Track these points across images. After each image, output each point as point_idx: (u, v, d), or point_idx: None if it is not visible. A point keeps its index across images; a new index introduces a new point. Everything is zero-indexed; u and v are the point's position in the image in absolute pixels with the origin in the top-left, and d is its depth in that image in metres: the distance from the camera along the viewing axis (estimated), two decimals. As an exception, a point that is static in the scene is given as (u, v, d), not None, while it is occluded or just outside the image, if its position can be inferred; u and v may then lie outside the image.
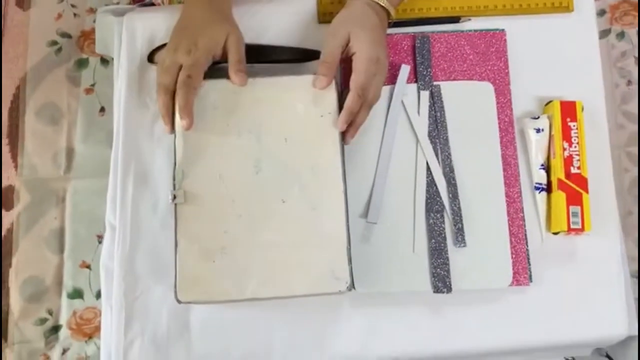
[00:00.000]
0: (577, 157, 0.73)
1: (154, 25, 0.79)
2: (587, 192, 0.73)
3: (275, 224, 0.68)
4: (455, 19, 0.79)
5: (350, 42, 0.69)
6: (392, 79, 0.76)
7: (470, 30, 0.79)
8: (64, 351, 1.31)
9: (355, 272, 0.69)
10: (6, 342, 1.31)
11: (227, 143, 0.69)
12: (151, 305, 0.72)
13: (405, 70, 0.76)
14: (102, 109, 1.42)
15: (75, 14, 1.48)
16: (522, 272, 0.72)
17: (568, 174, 0.73)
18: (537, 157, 0.76)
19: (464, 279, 0.71)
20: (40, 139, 1.41)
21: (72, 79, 1.44)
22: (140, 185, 0.75)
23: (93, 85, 1.43)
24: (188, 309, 0.72)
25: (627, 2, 1.48)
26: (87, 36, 1.46)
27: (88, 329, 1.32)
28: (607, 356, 0.84)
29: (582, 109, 0.75)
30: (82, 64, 1.45)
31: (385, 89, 0.75)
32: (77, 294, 1.33)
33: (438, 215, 0.73)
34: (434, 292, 0.71)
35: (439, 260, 0.72)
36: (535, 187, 0.75)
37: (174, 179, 0.69)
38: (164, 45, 0.74)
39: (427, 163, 0.74)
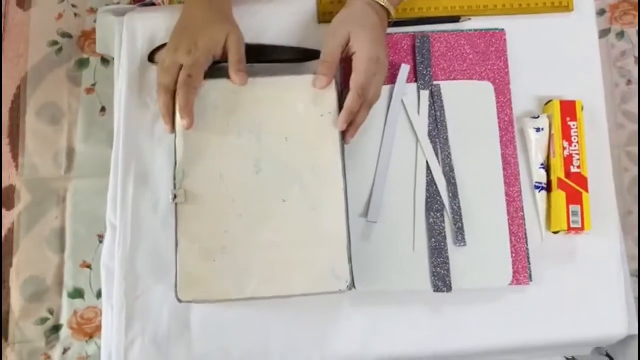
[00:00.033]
0: (577, 157, 0.73)
1: (155, 25, 0.79)
2: (587, 191, 0.73)
3: (275, 224, 0.68)
4: (455, 19, 0.79)
5: (350, 41, 0.69)
6: (392, 79, 0.76)
7: (470, 30, 0.79)
8: (65, 351, 1.31)
9: (356, 271, 0.69)
10: (7, 342, 1.31)
11: (227, 143, 0.70)
12: (152, 304, 0.72)
13: (405, 69, 0.76)
14: (103, 109, 1.42)
15: (76, 14, 1.48)
16: (522, 272, 0.72)
17: (568, 174, 0.73)
18: (537, 157, 0.76)
19: (464, 278, 0.71)
20: (41, 139, 1.41)
21: (73, 79, 1.44)
22: (141, 185, 0.75)
23: (94, 85, 1.44)
24: (189, 308, 0.72)
25: (627, 1, 1.48)
26: (88, 36, 1.46)
27: (89, 329, 1.32)
28: (607, 355, 0.85)
29: (582, 109, 0.75)
30: (82, 64, 1.45)
31: (385, 89, 0.75)
32: (77, 293, 1.34)
33: (438, 215, 0.73)
34: (434, 291, 0.71)
35: (439, 260, 0.72)
36: (535, 186, 0.76)
37: (174, 179, 0.69)
38: (164, 45, 0.74)
39: (427, 162, 0.75)
